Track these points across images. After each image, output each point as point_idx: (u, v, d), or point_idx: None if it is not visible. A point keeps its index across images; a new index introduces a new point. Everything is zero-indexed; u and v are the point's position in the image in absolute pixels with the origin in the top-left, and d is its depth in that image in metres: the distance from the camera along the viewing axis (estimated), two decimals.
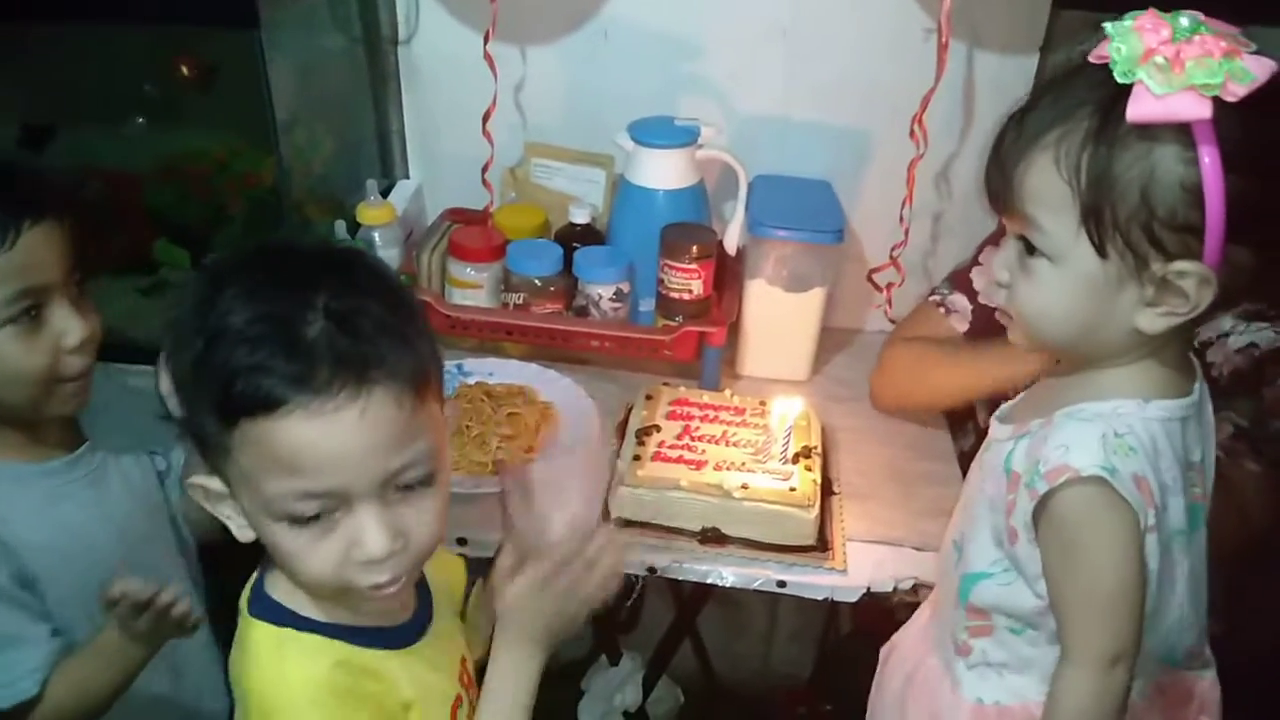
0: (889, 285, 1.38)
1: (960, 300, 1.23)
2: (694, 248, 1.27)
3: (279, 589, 0.73)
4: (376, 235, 1.36)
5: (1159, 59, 0.65)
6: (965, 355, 1.18)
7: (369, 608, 0.72)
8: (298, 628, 0.71)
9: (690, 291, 1.29)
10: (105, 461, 0.95)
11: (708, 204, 1.37)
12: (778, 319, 1.33)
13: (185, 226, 1.28)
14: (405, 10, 1.40)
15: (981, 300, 1.20)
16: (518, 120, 1.45)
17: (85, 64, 1.22)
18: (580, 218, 1.37)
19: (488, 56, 1.31)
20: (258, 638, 0.71)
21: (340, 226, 1.26)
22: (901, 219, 1.33)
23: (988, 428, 1.22)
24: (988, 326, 1.12)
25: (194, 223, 1.28)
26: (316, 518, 0.65)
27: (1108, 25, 0.68)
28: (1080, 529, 0.73)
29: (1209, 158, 0.65)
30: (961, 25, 1.26)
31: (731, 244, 1.36)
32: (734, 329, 1.34)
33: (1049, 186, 0.70)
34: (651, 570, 1.06)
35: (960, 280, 1.24)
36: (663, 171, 1.31)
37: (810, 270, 1.31)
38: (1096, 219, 0.69)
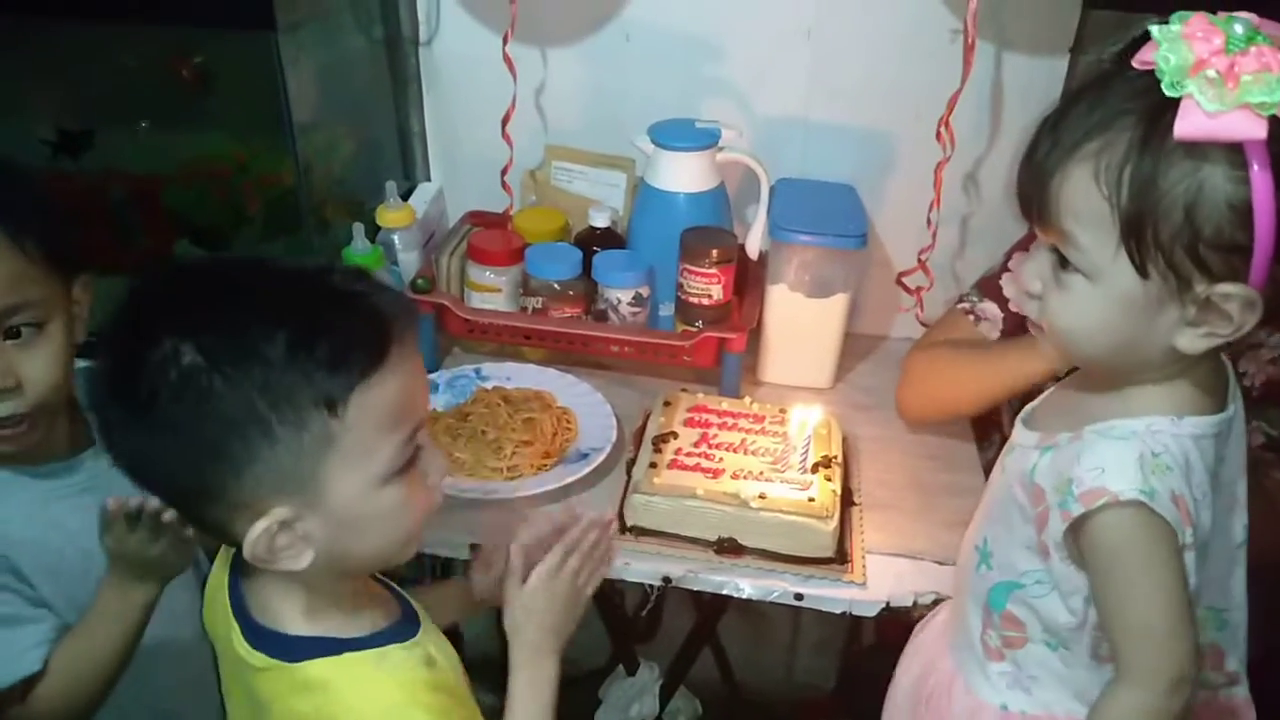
0: (918, 289, 1.36)
1: (991, 308, 1.19)
2: (714, 252, 1.25)
3: (297, 624, 0.71)
4: (396, 238, 1.36)
5: (1211, 72, 0.61)
6: (989, 354, 1.15)
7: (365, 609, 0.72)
8: (355, 648, 0.70)
9: (710, 296, 1.27)
10: (110, 467, 0.93)
11: (729, 208, 1.35)
12: (800, 325, 1.31)
13: (205, 228, 1.28)
14: (426, 11, 1.39)
15: (1012, 307, 1.17)
16: (538, 123, 1.44)
17: (104, 67, 1.22)
18: (600, 221, 1.35)
19: (507, 58, 1.30)
20: (328, 676, 0.69)
21: (358, 229, 1.25)
22: (929, 222, 1.30)
23: None
24: (1020, 334, 1.10)
25: (213, 224, 1.28)
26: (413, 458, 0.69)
27: (1154, 29, 0.64)
28: (1122, 553, 0.71)
29: (1260, 178, 0.62)
30: (989, 26, 1.23)
31: (753, 248, 1.33)
32: (755, 335, 1.31)
33: (1087, 201, 0.67)
34: (667, 580, 1.04)
35: (990, 287, 1.20)
36: (683, 174, 1.29)
37: (833, 275, 1.28)
38: (1138, 238, 0.65)
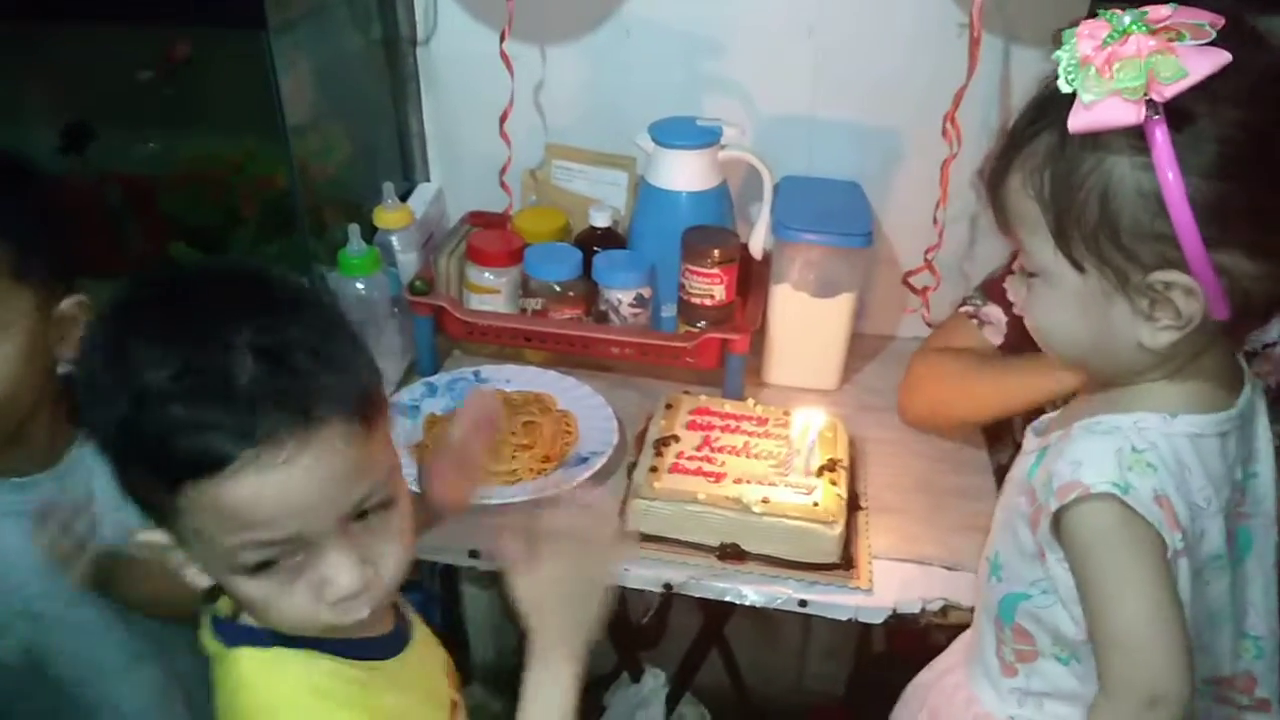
0: (925, 289, 1.33)
1: (995, 311, 1.16)
2: (716, 251, 1.23)
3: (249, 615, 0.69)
4: (394, 239, 1.34)
5: (1091, 65, 0.63)
6: (996, 368, 1.12)
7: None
8: (287, 645, 0.68)
9: (712, 297, 1.25)
10: (72, 489, 0.89)
11: (732, 207, 1.33)
12: (805, 325, 1.29)
13: (200, 230, 1.27)
14: (424, 10, 1.38)
15: (1016, 310, 1.14)
16: (538, 122, 1.42)
17: (98, 69, 1.21)
18: (600, 221, 1.33)
19: (504, 56, 1.28)
20: (245, 665, 0.68)
21: (355, 230, 1.24)
22: (935, 220, 1.27)
23: None
24: (1024, 338, 1.07)
25: (209, 226, 1.27)
26: (277, 562, 0.62)
27: (1064, 33, 0.66)
28: (1094, 549, 0.69)
29: (1162, 161, 0.62)
30: (995, 20, 1.20)
31: (757, 248, 1.31)
32: (760, 336, 1.29)
33: (1022, 207, 0.70)
34: (668, 587, 1.02)
35: (994, 290, 1.18)
36: (684, 173, 1.26)
37: (839, 275, 1.26)
38: (1063, 235, 0.68)
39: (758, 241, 1.31)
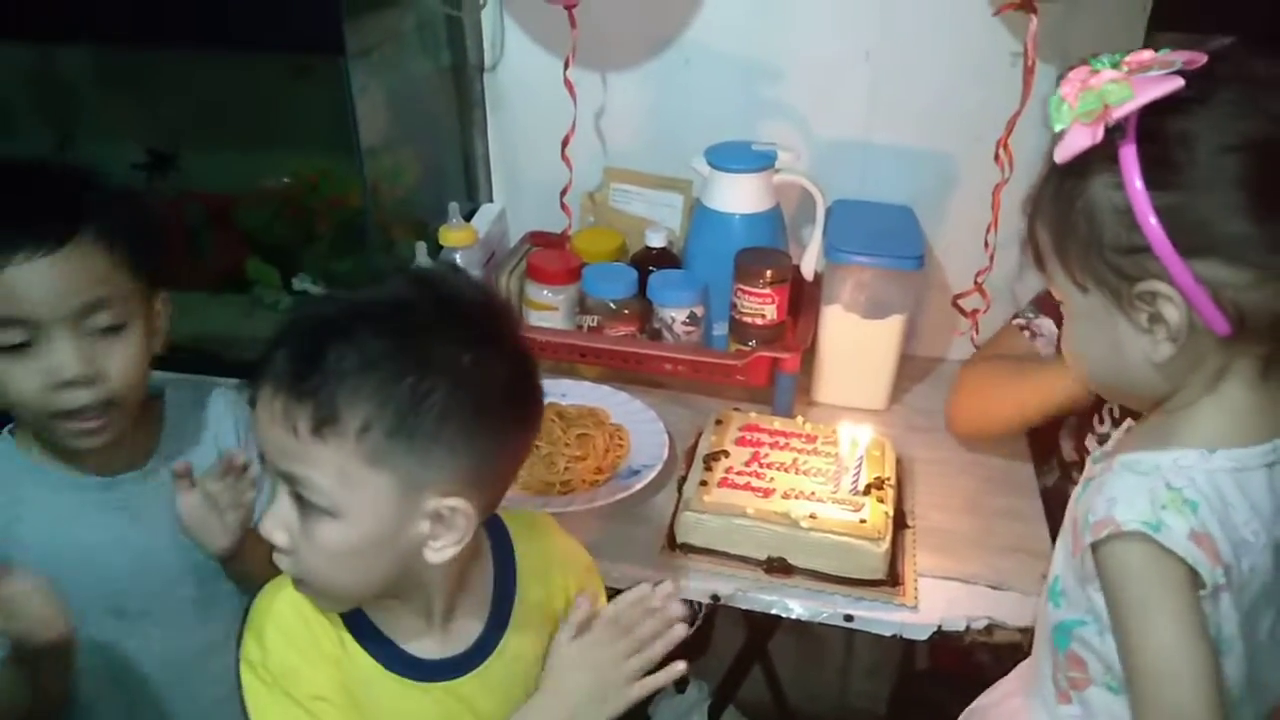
0: (974, 311, 1.35)
1: (1047, 324, 1.18)
2: (768, 272, 1.26)
3: None
4: (458, 257, 1.39)
5: (1065, 103, 0.69)
6: (1036, 367, 1.14)
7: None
8: (365, 640, 0.74)
9: (764, 316, 1.28)
10: (156, 490, 0.93)
11: (785, 229, 1.36)
12: (855, 346, 1.31)
13: (275, 246, 1.33)
14: (491, 38, 1.43)
15: None
16: (598, 145, 1.46)
17: (185, 92, 1.28)
18: (656, 241, 1.37)
19: (568, 82, 1.32)
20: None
21: (421, 248, 1.29)
22: (986, 244, 1.29)
23: (1073, 462, 1.19)
24: None
25: (284, 242, 1.33)
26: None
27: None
28: (1125, 585, 0.70)
29: (1128, 178, 0.67)
30: (1050, 48, 1.22)
31: (809, 269, 1.34)
32: (810, 356, 1.32)
33: (1041, 239, 0.75)
34: (715, 598, 1.05)
35: (1047, 304, 1.19)
36: (739, 195, 1.30)
37: (889, 297, 1.28)
38: (1064, 258, 0.73)
39: (809, 263, 1.33)
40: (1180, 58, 0.67)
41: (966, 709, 0.96)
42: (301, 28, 1.08)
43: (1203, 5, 1.05)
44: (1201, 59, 0.67)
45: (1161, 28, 1.20)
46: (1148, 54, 0.68)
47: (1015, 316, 1.22)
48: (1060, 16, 1.21)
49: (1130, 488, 0.71)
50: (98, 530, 0.92)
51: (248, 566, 0.93)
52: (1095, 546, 0.72)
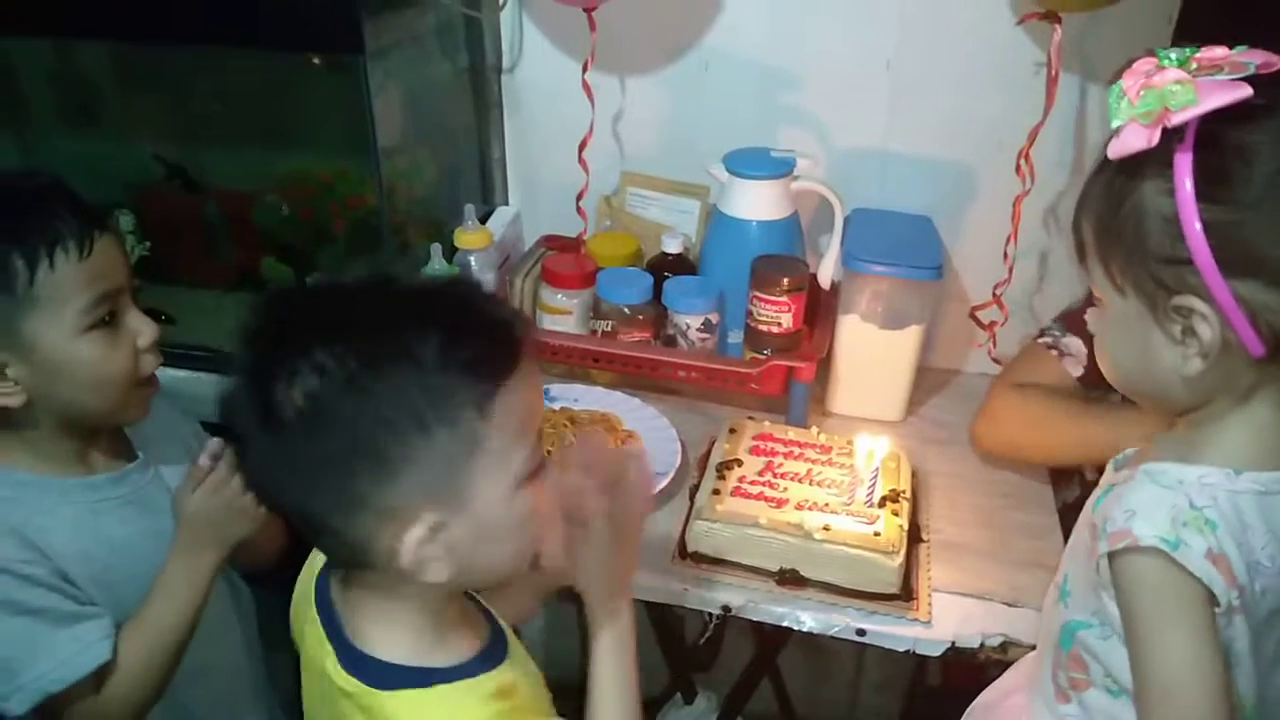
0: (992, 324, 1.33)
1: (1075, 342, 1.16)
2: (784, 280, 1.25)
3: (393, 651, 0.70)
4: (472, 259, 1.38)
5: (1126, 96, 0.65)
6: (1081, 414, 1.10)
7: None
8: (445, 680, 0.70)
9: (779, 324, 1.27)
10: (155, 479, 0.97)
11: (802, 237, 1.35)
12: (871, 356, 1.29)
13: (291, 246, 1.33)
14: (510, 40, 1.43)
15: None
16: (615, 150, 1.46)
17: (203, 87, 1.28)
18: (672, 247, 1.36)
19: (586, 86, 1.32)
20: (407, 709, 0.69)
21: (436, 249, 1.28)
22: (1006, 256, 1.27)
23: (1093, 482, 1.17)
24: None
25: (299, 242, 1.33)
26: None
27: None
28: (1139, 599, 0.69)
29: (1180, 186, 0.64)
30: (1074, 58, 1.21)
31: (826, 278, 1.33)
32: (826, 365, 1.30)
33: (1086, 234, 0.73)
34: (727, 609, 1.04)
35: (1073, 321, 1.17)
36: (756, 202, 1.29)
37: (907, 307, 1.27)
38: (1106, 258, 0.71)
39: (827, 271, 1.32)
40: (1256, 59, 0.64)
41: (969, 706, 0.95)
42: (320, 26, 1.08)
43: (1230, 16, 1.03)
44: (1278, 63, 0.64)
45: (1187, 38, 1.18)
46: (1221, 51, 0.65)
47: (1040, 335, 1.20)
48: (1084, 26, 1.20)
49: (1151, 500, 0.70)
50: (125, 525, 0.94)
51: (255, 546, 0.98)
52: (1111, 556, 0.71)
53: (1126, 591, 0.70)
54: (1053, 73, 1.15)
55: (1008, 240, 1.27)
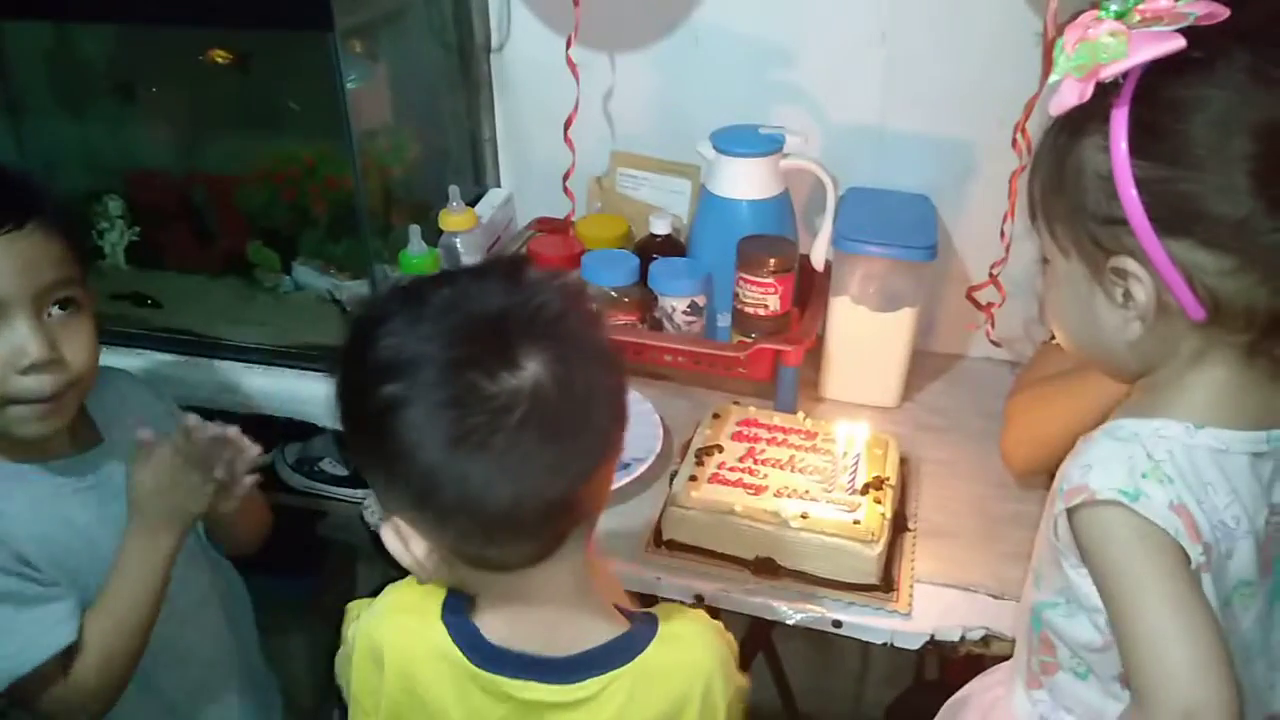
0: (989, 305, 1.28)
1: None
2: (771, 260, 1.20)
3: (605, 629, 0.72)
4: (458, 241, 1.36)
5: (1065, 51, 0.63)
6: (1083, 374, 1.06)
7: None
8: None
9: (766, 307, 1.23)
10: (119, 463, 0.94)
11: (794, 216, 1.30)
12: (864, 339, 1.25)
13: (274, 229, 1.32)
14: (498, 17, 1.40)
15: None
16: (605, 128, 1.42)
17: (177, 68, 1.27)
18: (660, 228, 1.33)
19: (570, 62, 1.29)
20: (671, 643, 0.72)
21: (415, 231, 1.26)
22: (1003, 234, 1.22)
23: None
24: None
25: (282, 226, 1.31)
26: None
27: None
28: (1106, 555, 0.65)
29: (1116, 143, 0.62)
30: None
31: (818, 259, 1.29)
32: (818, 349, 1.26)
33: (1034, 194, 0.71)
34: (699, 598, 1.01)
35: None
36: (745, 181, 1.25)
37: (901, 289, 1.22)
38: (1049, 217, 0.69)
39: (819, 252, 1.28)
40: (1198, 9, 0.60)
41: (960, 689, 0.93)
42: (288, 3, 1.06)
43: None
44: (1222, 13, 0.60)
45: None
46: (1165, 2, 0.61)
47: (1051, 337, 1.14)
48: None
49: (1107, 454, 0.67)
50: (86, 509, 0.93)
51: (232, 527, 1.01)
52: (1071, 515, 0.67)
53: (1091, 551, 0.67)
54: (1049, 40, 1.10)
55: (1004, 218, 1.22)
